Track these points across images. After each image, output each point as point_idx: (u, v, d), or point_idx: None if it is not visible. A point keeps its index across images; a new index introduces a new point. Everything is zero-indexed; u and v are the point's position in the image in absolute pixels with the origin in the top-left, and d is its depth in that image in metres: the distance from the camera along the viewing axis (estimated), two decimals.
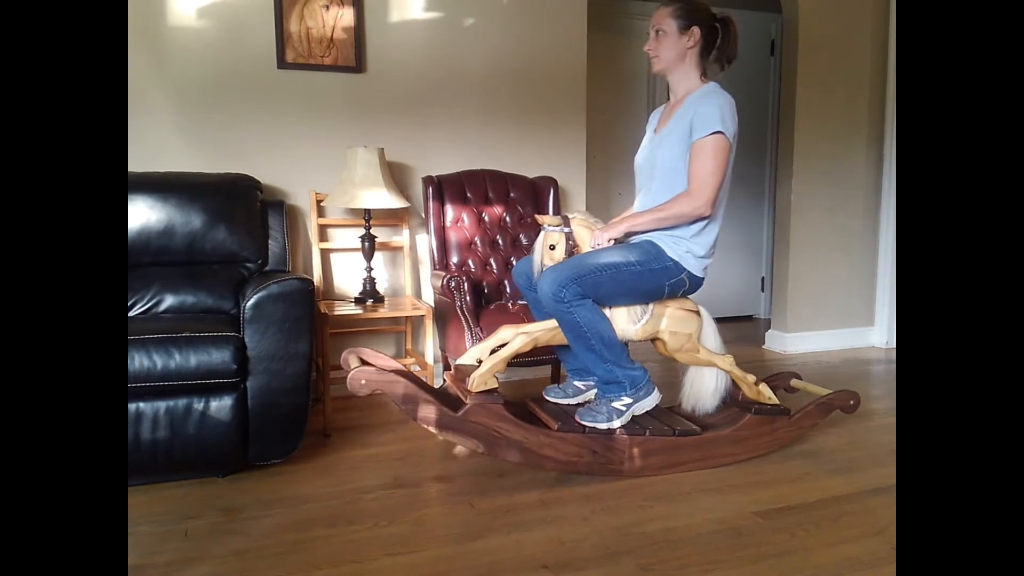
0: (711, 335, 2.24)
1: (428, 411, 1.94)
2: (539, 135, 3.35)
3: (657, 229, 2.14)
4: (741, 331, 4.52)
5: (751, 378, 2.29)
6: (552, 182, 3.13)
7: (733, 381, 2.29)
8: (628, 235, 2.18)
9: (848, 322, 4.06)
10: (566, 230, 2.13)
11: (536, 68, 3.30)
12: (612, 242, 2.14)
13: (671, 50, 2.15)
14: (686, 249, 2.12)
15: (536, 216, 2.27)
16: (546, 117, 3.35)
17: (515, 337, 2.09)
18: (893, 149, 3.92)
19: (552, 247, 2.12)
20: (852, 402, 2.34)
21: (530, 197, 3.11)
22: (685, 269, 2.12)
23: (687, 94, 2.17)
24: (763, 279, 4.98)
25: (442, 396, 2.08)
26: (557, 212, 3.11)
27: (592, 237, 2.15)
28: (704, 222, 2.13)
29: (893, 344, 4.04)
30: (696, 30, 2.14)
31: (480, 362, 2.09)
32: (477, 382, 2.01)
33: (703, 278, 2.20)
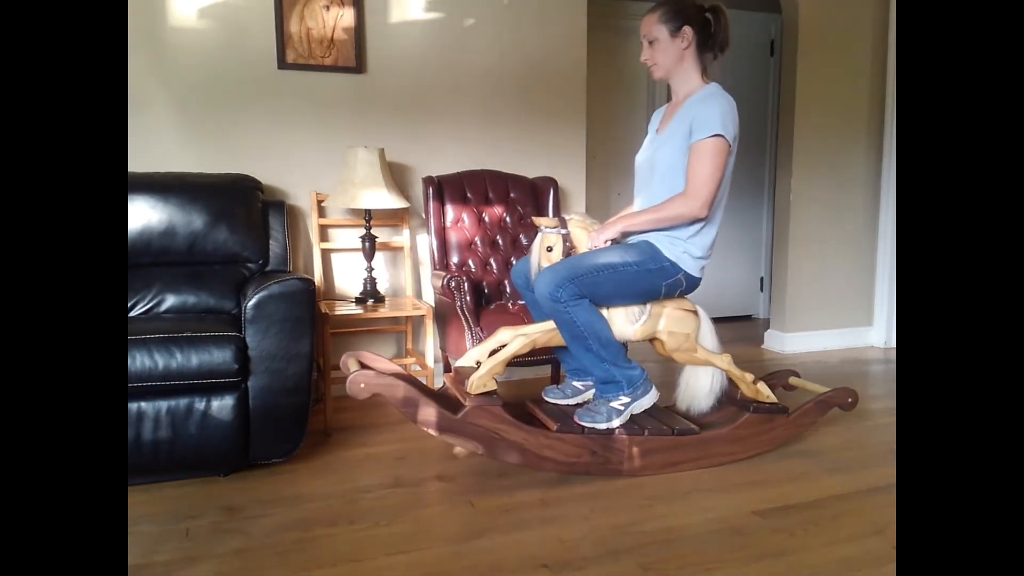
0: (708, 335, 2.24)
1: (428, 413, 1.95)
2: (539, 135, 3.35)
3: (654, 229, 2.13)
4: (740, 331, 4.53)
5: (749, 377, 2.29)
6: (552, 182, 3.14)
7: (730, 380, 2.30)
8: (625, 235, 2.18)
9: (847, 322, 4.07)
10: (563, 231, 2.13)
11: (536, 68, 3.30)
12: (609, 243, 2.14)
13: (667, 56, 2.13)
14: (683, 250, 2.12)
15: (533, 218, 2.27)
16: (546, 117, 3.36)
17: (514, 339, 2.09)
18: (893, 149, 3.93)
19: (549, 249, 2.13)
20: (850, 399, 2.35)
21: (530, 197, 3.11)
22: (682, 269, 2.12)
23: (688, 95, 2.16)
24: (762, 279, 4.99)
25: (442, 398, 2.08)
26: (557, 213, 3.11)
27: (589, 238, 2.15)
28: (701, 223, 2.12)
29: (892, 344, 4.05)
30: (688, 30, 2.10)
31: (479, 364, 2.09)
32: (476, 384, 2.01)
33: (700, 278, 2.20)
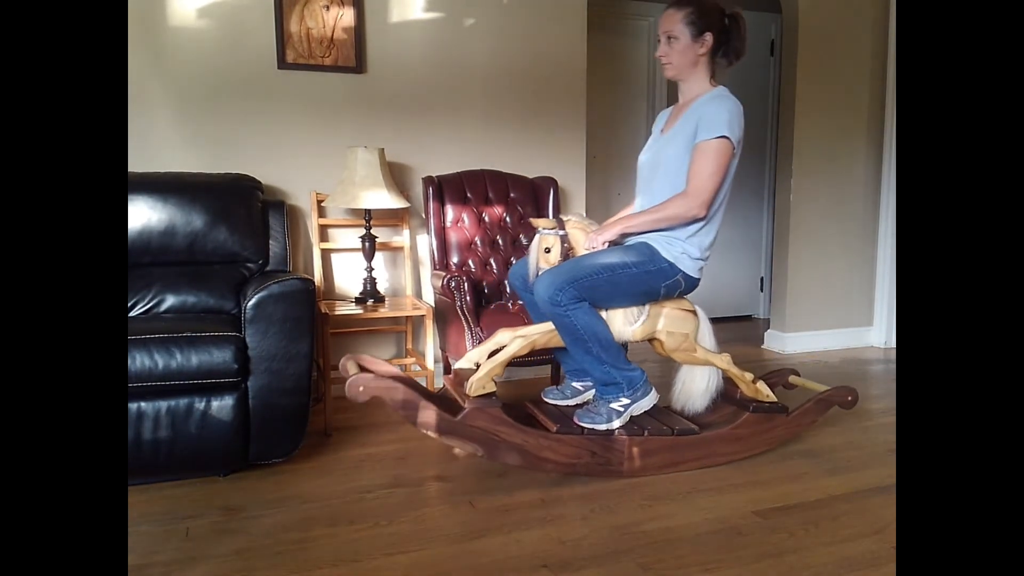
0: (707, 334, 2.25)
1: (427, 416, 1.94)
2: (539, 135, 3.35)
3: (653, 230, 2.13)
4: (740, 331, 4.53)
5: (749, 376, 2.29)
6: (552, 182, 3.14)
7: (729, 379, 2.30)
8: (623, 236, 2.17)
9: (847, 322, 4.07)
10: (561, 233, 2.13)
11: (536, 68, 3.30)
12: (607, 244, 2.13)
13: (684, 57, 2.12)
14: (681, 250, 2.12)
15: (531, 219, 2.27)
16: (546, 117, 3.36)
17: (512, 340, 2.09)
18: (893, 149, 3.93)
19: (547, 250, 2.12)
20: (850, 398, 2.35)
21: (530, 197, 3.11)
22: (680, 270, 2.12)
23: (696, 97, 2.16)
24: (762, 279, 4.99)
25: (441, 400, 2.08)
26: (557, 213, 3.11)
27: (587, 239, 2.14)
28: (700, 224, 2.12)
29: (891, 344, 4.04)
30: (709, 36, 2.10)
31: (478, 366, 2.09)
32: (475, 386, 2.01)
33: (699, 279, 2.19)
